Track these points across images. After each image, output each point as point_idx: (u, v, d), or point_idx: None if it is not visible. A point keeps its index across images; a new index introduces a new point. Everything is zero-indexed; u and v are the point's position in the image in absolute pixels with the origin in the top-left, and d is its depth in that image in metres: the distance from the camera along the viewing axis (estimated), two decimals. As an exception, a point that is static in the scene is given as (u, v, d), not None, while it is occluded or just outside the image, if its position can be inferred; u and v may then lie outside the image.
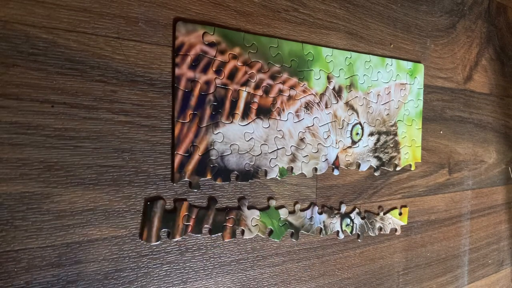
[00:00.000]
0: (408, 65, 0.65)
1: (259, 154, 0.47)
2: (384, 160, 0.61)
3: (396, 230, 0.64)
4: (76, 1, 0.36)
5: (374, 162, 0.60)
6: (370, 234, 0.60)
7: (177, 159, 0.42)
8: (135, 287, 0.40)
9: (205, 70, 0.43)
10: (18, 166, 0.33)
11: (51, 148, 0.35)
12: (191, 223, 0.43)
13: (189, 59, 0.42)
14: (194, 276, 0.43)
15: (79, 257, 0.36)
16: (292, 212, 0.51)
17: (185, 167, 0.42)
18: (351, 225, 0.58)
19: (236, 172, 0.45)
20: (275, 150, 0.49)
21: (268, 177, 0.48)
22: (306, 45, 0.52)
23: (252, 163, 0.47)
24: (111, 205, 0.38)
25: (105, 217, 0.38)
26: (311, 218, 0.53)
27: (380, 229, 0.61)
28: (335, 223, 0.56)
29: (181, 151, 0.42)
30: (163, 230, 0.41)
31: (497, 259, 0.89)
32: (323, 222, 0.54)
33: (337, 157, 0.55)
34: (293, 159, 0.50)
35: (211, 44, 0.43)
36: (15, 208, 0.33)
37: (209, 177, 0.43)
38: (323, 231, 0.54)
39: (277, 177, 0.49)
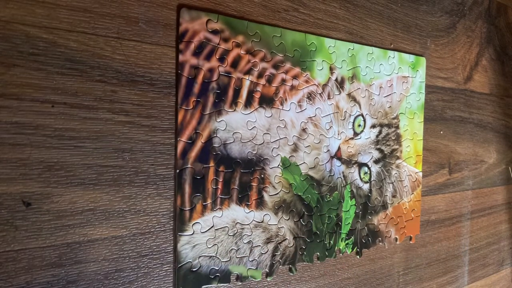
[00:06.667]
0: (410, 58, 0.65)
1: (261, 143, 0.47)
2: (386, 152, 0.61)
3: (411, 175, 0.66)
4: (76, 1, 0.36)
5: (376, 154, 0.60)
6: (387, 182, 0.61)
7: (180, 146, 0.42)
8: (135, 287, 0.40)
9: (208, 58, 0.43)
10: (18, 166, 0.33)
11: (51, 148, 0.35)
12: (219, 186, 0.44)
13: (192, 46, 0.42)
14: (194, 276, 0.43)
15: (79, 257, 0.36)
16: (312, 167, 0.52)
17: (188, 154, 0.42)
18: (369, 173, 0.59)
19: (238, 160, 0.46)
20: (277, 140, 0.49)
21: (270, 167, 0.48)
22: (309, 35, 0.52)
23: (254, 152, 0.47)
24: (111, 205, 0.38)
25: (105, 217, 0.38)
26: (330, 170, 0.54)
27: (396, 176, 0.63)
28: (353, 173, 0.57)
29: (184, 137, 0.42)
30: (195, 195, 0.42)
31: (497, 259, 0.89)
32: (342, 173, 0.55)
33: (339, 148, 0.55)
34: (295, 149, 0.51)
35: (214, 32, 0.43)
36: (15, 208, 0.33)
37: (212, 164, 0.44)
38: (343, 181, 0.55)
39: (279, 166, 0.49)
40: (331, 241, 0.55)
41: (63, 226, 0.36)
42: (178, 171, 0.42)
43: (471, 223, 0.81)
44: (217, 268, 0.44)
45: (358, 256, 0.59)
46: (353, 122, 0.57)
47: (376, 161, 0.60)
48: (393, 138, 0.63)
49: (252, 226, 0.47)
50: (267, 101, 0.48)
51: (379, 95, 0.60)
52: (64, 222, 0.36)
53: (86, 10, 0.36)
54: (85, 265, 0.37)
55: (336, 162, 0.55)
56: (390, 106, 0.62)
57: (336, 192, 0.55)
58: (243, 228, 0.46)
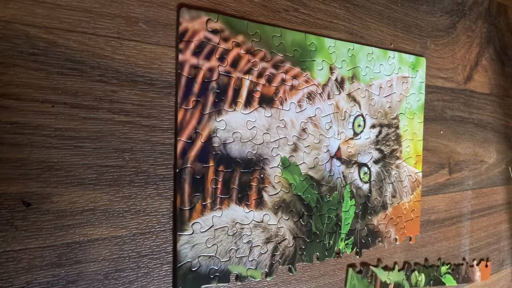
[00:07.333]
0: (410, 58, 0.65)
1: (261, 143, 0.48)
2: (385, 152, 0.61)
3: (410, 175, 0.66)
4: (76, 1, 0.36)
5: (375, 155, 0.60)
6: (387, 182, 0.61)
7: (180, 145, 0.42)
8: (135, 287, 0.40)
9: (208, 57, 0.43)
10: (18, 166, 0.33)
11: (51, 148, 0.35)
12: (219, 186, 0.44)
13: (192, 46, 0.42)
14: (194, 276, 0.43)
15: (79, 257, 0.36)
16: (312, 167, 0.52)
17: (187, 153, 0.42)
18: (368, 173, 0.59)
19: (238, 160, 0.46)
20: (277, 140, 0.49)
21: (270, 166, 0.48)
22: (309, 35, 0.52)
23: (254, 152, 0.47)
24: (111, 205, 0.38)
25: (105, 217, 0.38)
26: (330, 170, 0.54)
27: (396, 177, 0.63)
28: (353, 173, 0.57)
29: (184, 137, 0.42)
30: (195, 195, 0.42)
31: (497, 259, 0.89)
32: (342, 173, 0.55)
33: (338, 148, 0.55)
34: (295, 148, 0.51)
35: (214, 31, 0.44)
36: (15, 208, 0.33)
37: (211, 164, 0.44)
38: (343, 182, 0.55)
39: (278, 166, 0.49)
40: (331, 241, 0.55)
41: (63, 226, 0.36)
42: (177, 170, 0.42)
43: (471, 223, 0.81)
44: (216, 268, 0.44)
45: (358, 256, 0.59)
46: (353, 122, 0.57)
47: (376, 161, 0.60)
48: (393, 138, 0.63)
49: (251, 226, 0.47)
50: (267, 101, 0.48)
51: (379, 95, 0.60)
52: (64, 222, 0.36)
53: (86, 10, 0.36)
54: (85, 265, 0.37)
55: (336, 162, 0.55)
56: (390, 106, 0.62)
57: (335, 192, 0.55)
58: (242, 228, 0.46)
